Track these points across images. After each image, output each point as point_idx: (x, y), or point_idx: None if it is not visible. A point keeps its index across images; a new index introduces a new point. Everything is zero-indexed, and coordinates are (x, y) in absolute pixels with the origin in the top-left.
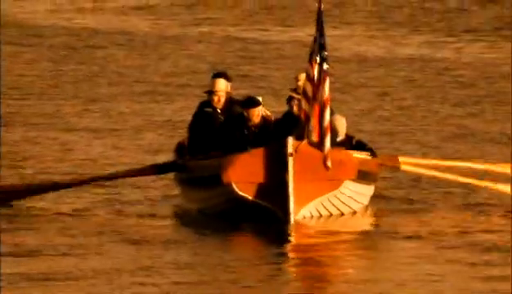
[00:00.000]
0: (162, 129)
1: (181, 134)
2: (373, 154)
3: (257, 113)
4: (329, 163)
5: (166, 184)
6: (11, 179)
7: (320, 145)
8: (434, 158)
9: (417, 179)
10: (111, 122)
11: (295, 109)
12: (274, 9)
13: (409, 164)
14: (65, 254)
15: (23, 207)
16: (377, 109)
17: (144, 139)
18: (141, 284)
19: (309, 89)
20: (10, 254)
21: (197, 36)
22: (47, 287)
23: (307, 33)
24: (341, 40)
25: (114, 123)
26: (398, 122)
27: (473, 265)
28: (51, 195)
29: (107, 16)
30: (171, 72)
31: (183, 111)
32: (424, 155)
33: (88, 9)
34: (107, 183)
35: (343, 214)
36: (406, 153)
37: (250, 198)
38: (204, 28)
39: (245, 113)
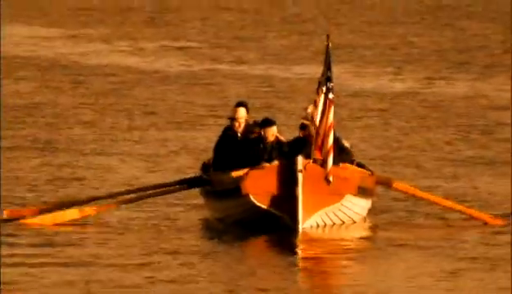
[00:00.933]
0: (193, 154)
1: (208, 156)
2: (371, 173)
3: (272, 132)
4: (330, 178)
5: (192, 197)
6: (55, 198)
7: (323, 163)
8: (427, 187)
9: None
10: (148, 148)
11: (304, 133)
12: (293, 49)
13: (401, 187)
14: (108, 265)
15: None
16: (379, 136)
17: (176, 162)
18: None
19: (316, 115)
20: (58, 264)
21: (224, 73)
22: None
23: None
24: (350, 76)
25: (150, 149)
26: (398, 148)
27: (463, 272)
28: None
29: (145, 56)
30: (201, 104)
31: (210, 138)
32: (424, 177)
33: (129, 50)
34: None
35: (343, 223)
36: (405, 176)
37: (265, 207)
38: (230, 67)
39: (262, 132)
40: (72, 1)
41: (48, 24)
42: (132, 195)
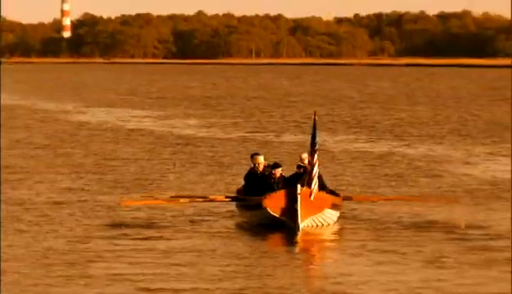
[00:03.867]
0: (230, 187)
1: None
2: (338, 195)
3: (279, 171)
4: (312, 197)
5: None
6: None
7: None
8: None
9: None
10: (206, 184)
11: (299, 171)
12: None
13: (360, 197)
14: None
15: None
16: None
17: (222, 189)
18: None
19: (309, 159)
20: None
21: (242, 138)
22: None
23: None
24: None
25: (208, 184)
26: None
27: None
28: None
29: (202, 128)
30: (235, 156)
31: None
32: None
33: (194, 123)
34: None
35: (323, 225)
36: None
37: (277, 215)
38: (243, 134)
39: (273, 171)
40: (155, 90)
41: (140, 107)
42: (200, 199)
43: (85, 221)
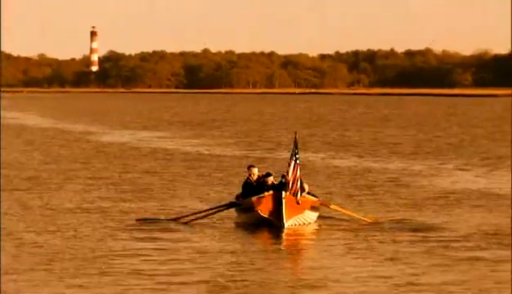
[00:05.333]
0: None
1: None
2: (317, 197)
3: (270, 179)
4: (299, 202)
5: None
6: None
7: (295, 195)
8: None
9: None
10: (211, 192)
11: (284, 180)
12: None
13: (335, 207)
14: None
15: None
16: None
17: (224, 196)
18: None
19: (290, 170)
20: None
21: (249, 155)
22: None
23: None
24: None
25: (213, 192)
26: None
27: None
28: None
29: (211, 146)
30: (230, 168)
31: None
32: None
33: (203, 143)
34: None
35: (304, 224)
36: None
37: (266, 216)
38: (240, 151)
39: (265, 179)
40: (168, 115)
41: (156, 129)
42: (207, 211)
43: (108, 224)
